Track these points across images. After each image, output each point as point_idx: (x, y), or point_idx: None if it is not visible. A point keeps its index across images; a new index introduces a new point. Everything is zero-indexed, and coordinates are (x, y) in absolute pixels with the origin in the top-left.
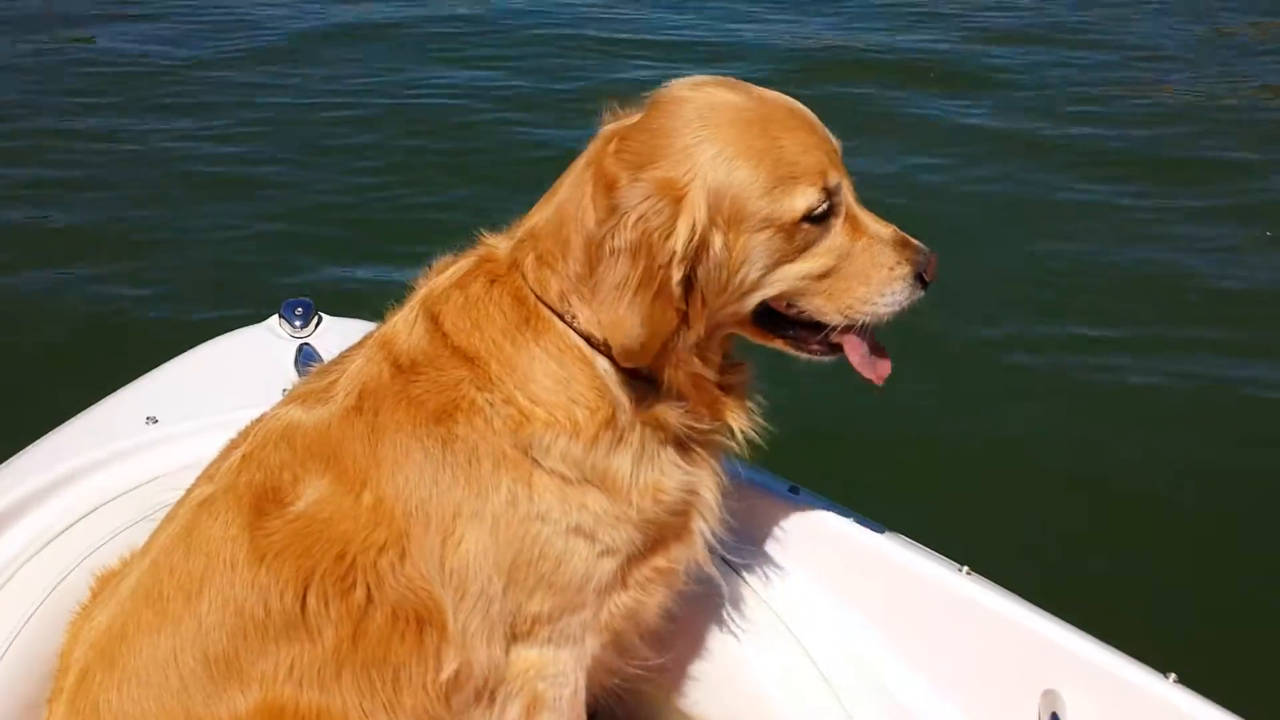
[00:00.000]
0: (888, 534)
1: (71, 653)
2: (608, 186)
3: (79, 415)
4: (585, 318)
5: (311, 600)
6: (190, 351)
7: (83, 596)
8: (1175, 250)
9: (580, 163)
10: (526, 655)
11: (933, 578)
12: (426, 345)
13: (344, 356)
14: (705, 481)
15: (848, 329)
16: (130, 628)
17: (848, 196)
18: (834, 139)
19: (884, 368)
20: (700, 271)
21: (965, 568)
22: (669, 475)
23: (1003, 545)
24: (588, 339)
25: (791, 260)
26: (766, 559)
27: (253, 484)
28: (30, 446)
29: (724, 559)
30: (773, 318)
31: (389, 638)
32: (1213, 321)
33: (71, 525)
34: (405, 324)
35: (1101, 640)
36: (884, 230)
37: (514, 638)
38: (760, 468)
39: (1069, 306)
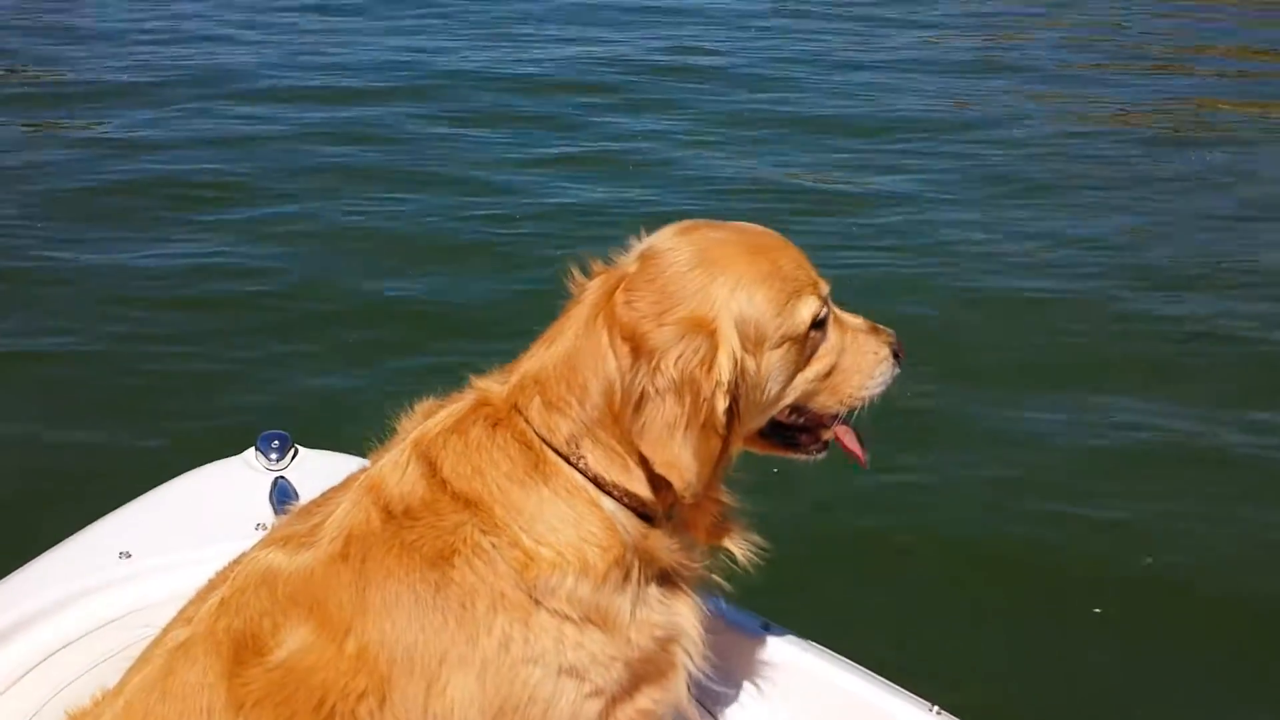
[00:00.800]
0: (858, 672)
1: None
2: (629, 334)
3: (51, 549)
4: (594, 460)
5: None
6: (165, 485)
7: None
8: None
9: (583, 312)
10: None
11: (904, 718)
12: (423, 491)
13: (326, 498)
14: (686, 615)
15: (844, 421)
16: None
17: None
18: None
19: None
20: (740, 395)
21: (935, 707)
22: (656, 611)
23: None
24: (595, 480)
25: (803, 368)
26: (739, 700)
27: (231, 630)
28: (3, 579)
29: (698, 702)
30: (775, 426)
31: None
32: None
33: (41, 662)
34: (395, 468)
35: None
36: (857, 320)
37: None
38: (731, 603)
39: None
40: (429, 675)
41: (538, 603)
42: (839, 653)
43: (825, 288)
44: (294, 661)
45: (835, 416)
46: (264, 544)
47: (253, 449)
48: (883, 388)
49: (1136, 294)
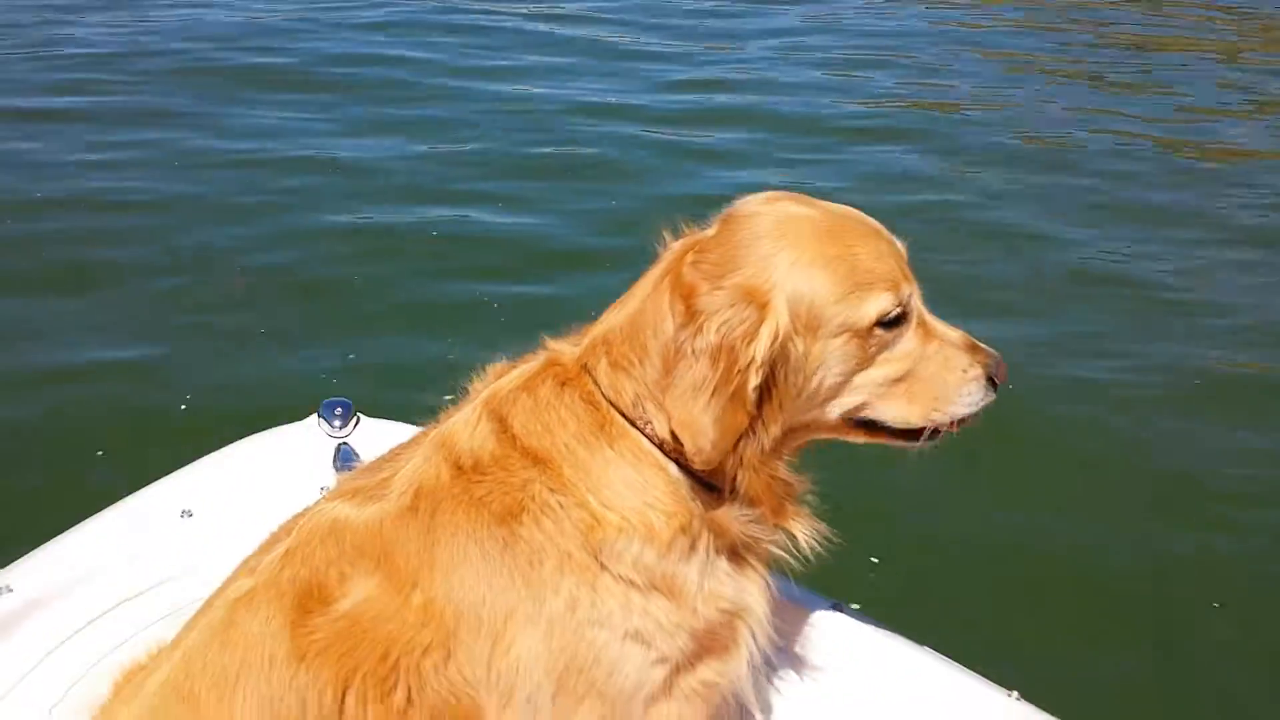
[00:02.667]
0: (934, 655)
1: None
2: (687, 294)
3: (113, 506)
4: (660, 424)
5: (350, 701)
6: (228, 447)
7: (105, 693)
8: None
9: (655, 273)
10: None
11: (981, 703)
12: (493, 446)
13: (395, 454)
14: (754, 592)
15: (931, 438)
16: None
17: (917, 302)
18: (902, 246)
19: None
20: (778, 376)
21: (1015, 692)
22: (724, 584)
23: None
24: (661, 445)
25: (866, 367)
26: (808, 681)
27: (296, 580)
28: (62, 535)
29: (765, 677)
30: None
31: None
32: None
33: (99, 616)
34: (466, 425)
35: None
36: (953, 334)
37: None
38: (801, 584)
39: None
40: (494, 632)
41: (604, 567)
42: (912, 639)
43: (908, 289)
44: (359, 612)
45: (921, 433)
46: (331, 497)
47: (315, 416)
48: (972, 409)
49: None
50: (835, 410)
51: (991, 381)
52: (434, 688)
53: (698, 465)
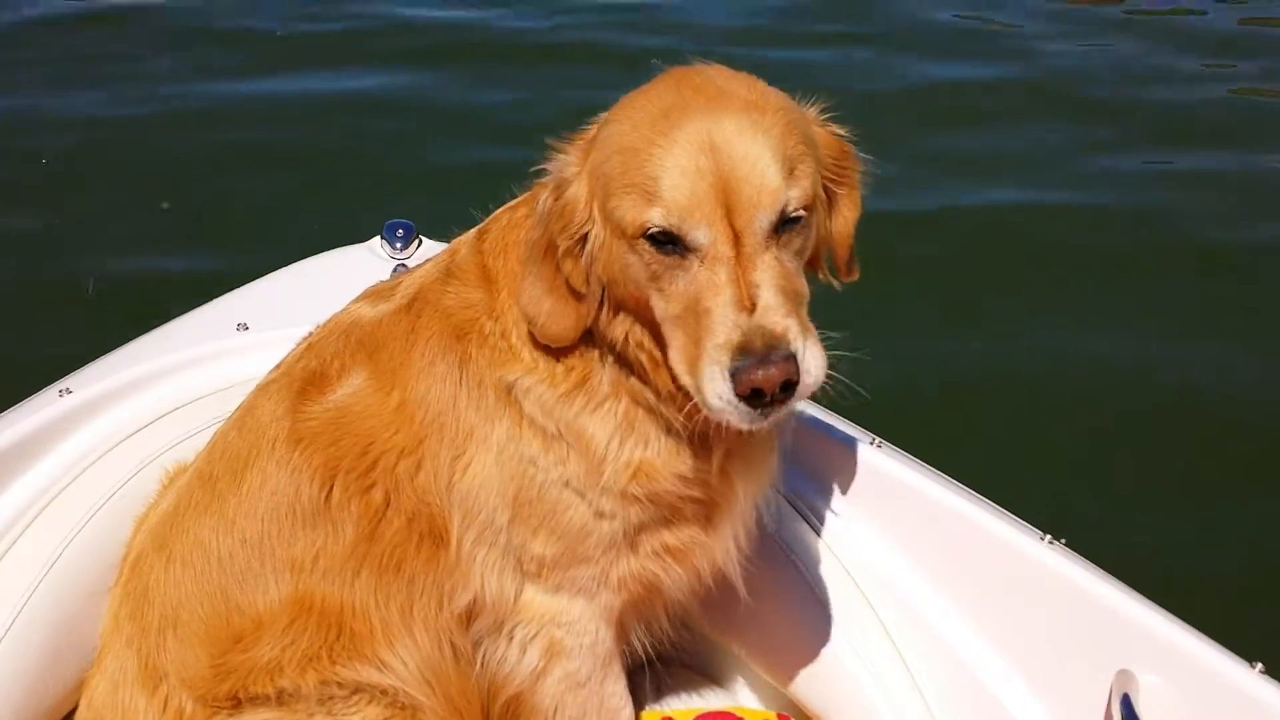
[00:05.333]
0: (970, 496)
1: (134, 541)
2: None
3: (174, 320)
4: None
5: (336, 492)
6: (290, 266)
7: (153, 493)
8: None
9: None
10: (540, 600)
11: (1014, 545)
12: (468, 255)
13: (426, 261)
14: (733, 481)
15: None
16: (182, 508)
17: (723, 249)
18: (763, 181)
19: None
20: (593, 253)
21: (1048, 536)
22: (663, 458)
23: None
24: None
25: (657, 286)
26: (844, 514)
27: (306, 370)
28: (123, 345)
29: (800, 513)
30: None
31: (404, 545)
32: None
33: (152, 422)
34: (469, 234)
35: (1186, 622)
36: (757, 318)
37: (524, 576)
38: (843, 417)
39: None
40: (456, 447)
41: (519, 404)
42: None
43: (694, 219)
44: (348, 403)
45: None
46: (358, 298)
47: (378, 237)
48: (719, 407)
49: None
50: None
51: (754, 397)
52: (408, 493)
53: (543, 339)
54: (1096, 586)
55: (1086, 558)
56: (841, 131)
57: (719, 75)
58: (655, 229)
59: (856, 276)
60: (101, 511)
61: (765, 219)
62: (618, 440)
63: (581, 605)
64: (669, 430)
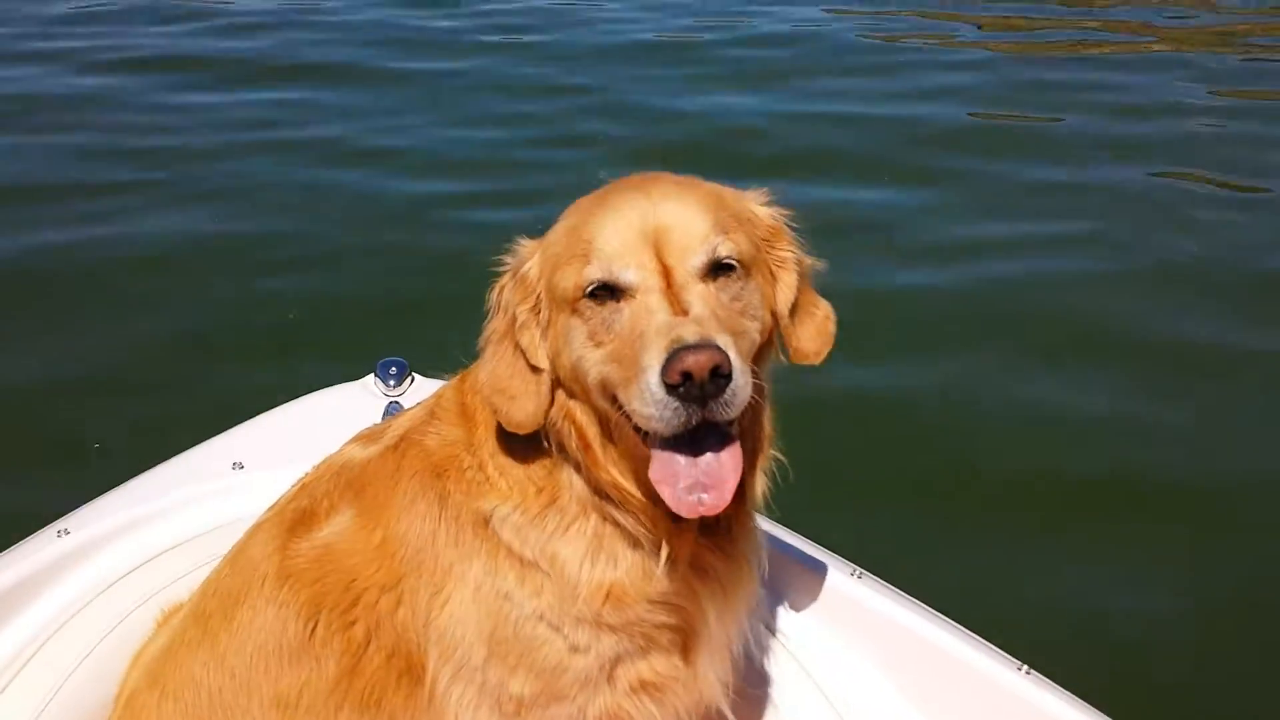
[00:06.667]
0: (949, 627)
1: (128, 678)
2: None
3: (171, 459)
4: None
5: (320, 629)
6: (284, 405)
7: (149, 631)
8: None
9: None
10: None
11: (991, 676)
12: (450, 396)
13: (416, 405)
14: (707, 602)
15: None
16: (176, 644)
17: (652, 281)
18: (690, 228)
19: (704, 503)
20: (549, 337)
21: (1025, 666)
22: (632, 578)
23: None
24: None
25: (596, 343)
26: (825, 645)
27: (298, 509)
28: (121, 485)
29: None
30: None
31: (384, 682)
32: None
33: (148, 561)
34: (455, 378)
35: None
36: (667, 317)
37: (502, 717)
38: (821, 547)
39: None
40: (434, 583)
41: (495, 534)
42: (929, 604)
43: (624, 262)
44: (334, 541)
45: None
46: (352, 439)
47: (372, 375)
48: (653, 418)
49: None
50: (597, 394)
51: (676, 387)
52: (388, 629)
53: (508, 425)
54: (1071, 715)
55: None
56: (779, 212)
57: (657, 173)
58: (593, 283)
59: (813, 356)
60: (98, 650)
61: (695, 259)
62: (589, 562)
63: None
64: (635, 545)
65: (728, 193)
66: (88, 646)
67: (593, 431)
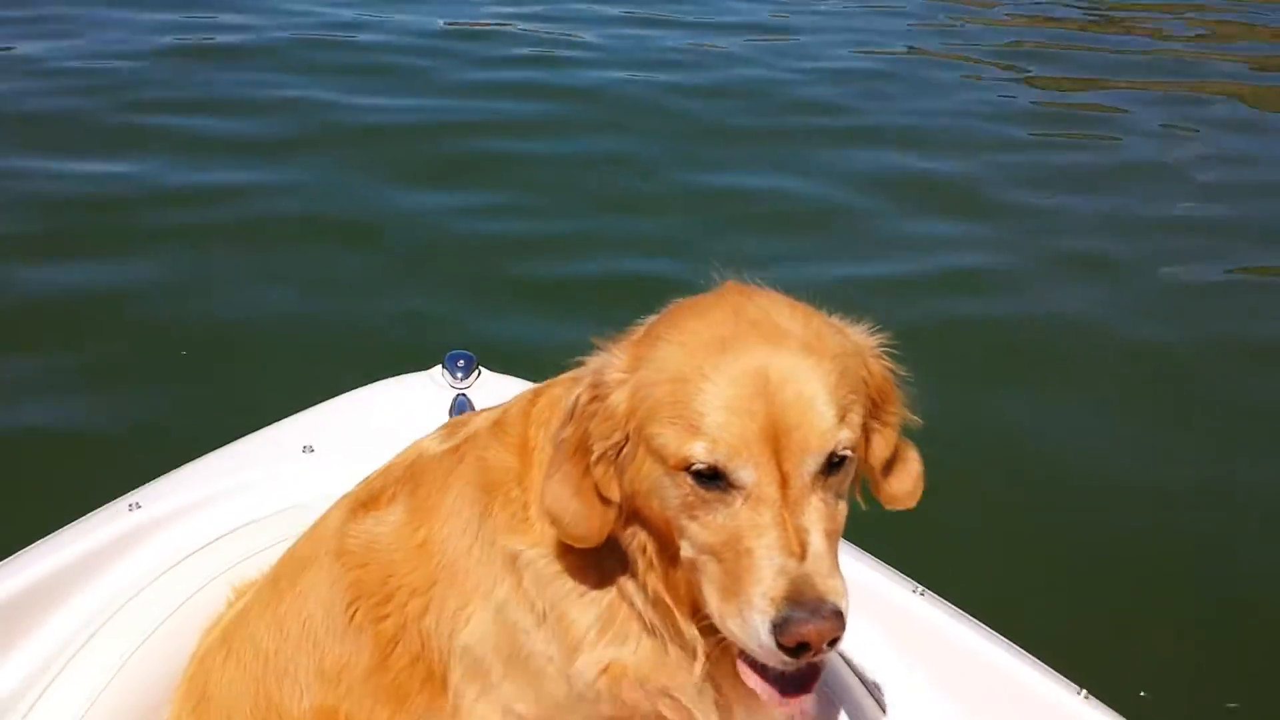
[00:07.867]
0: (1009, 648)
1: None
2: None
3: (240, 439)
4: None
5: (358, 615)
6: (354, 391)
7: (219, 608)
8: None
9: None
10: None
11: (1051, 698)
12: (517, 415)
13: (494, 408)
14: (731, 708)
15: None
16: (250, 605)
17: (769, 490)
18: (814, 426)
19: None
20: (624, 467)
21: (1084, 691)
22: (637, 661)
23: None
24: None
25: (691, 515)
26: (885, 662)
27: (370, 488)
28: (191, 462)
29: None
30: None
31: (409, 681)
32: None
33: (217, 540)
34: (528, 391)
35: None
36: (806, 565)
37: None
38: (885, 564)
39: None
40: (462, 597)
41: (520, 574)
42: (991, 626)
43: (741, 458)
44: (382, 530)
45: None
46: (437, 429)
47: (439, 366)
48: (755, 651)
49: None
50: (684, 547)
51: (798, 653)
52: (413, 634)
53: (566, 539)
54: None
55: None
56: (892, 368)
57: (776, 307)
58: (700, 465)
59: (906, 500)
60: (165, 625)
61: (814, 462)
62: (595, 631)
63: None
64: (650, 631)
65: (851, 355)
66: (153, 623)
67: (654, 547)
